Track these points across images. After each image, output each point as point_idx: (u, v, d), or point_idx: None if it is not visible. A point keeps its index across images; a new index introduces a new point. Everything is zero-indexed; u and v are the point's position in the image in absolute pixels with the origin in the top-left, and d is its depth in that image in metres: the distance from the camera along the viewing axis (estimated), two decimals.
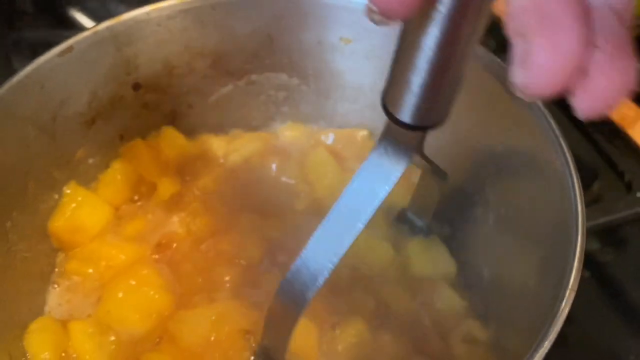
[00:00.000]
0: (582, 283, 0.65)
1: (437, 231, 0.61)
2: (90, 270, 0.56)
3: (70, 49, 0.53)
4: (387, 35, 0.58)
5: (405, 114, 0.36)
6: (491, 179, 0.57)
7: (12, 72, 0.80)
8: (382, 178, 0.41)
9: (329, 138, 0.67)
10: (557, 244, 0.45)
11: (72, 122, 0.56)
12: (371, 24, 0.42)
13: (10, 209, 0.51)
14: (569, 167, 0.46)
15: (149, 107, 0.62)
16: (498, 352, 0.52)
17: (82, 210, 0.57)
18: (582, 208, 0.44)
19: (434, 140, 0.60)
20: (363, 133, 0.68)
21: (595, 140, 0.74)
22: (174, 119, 0.65)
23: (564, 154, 0.47)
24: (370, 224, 0.41)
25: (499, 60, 0.53)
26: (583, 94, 0.27)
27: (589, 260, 0.68)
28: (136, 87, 0.60)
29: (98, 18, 0.55)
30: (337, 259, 0.41)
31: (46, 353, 0.49)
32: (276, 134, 0.68)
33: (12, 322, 0.51)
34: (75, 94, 0.56)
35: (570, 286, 0.41)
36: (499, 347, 0.52)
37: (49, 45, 0.53)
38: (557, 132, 0.48)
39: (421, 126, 0.37)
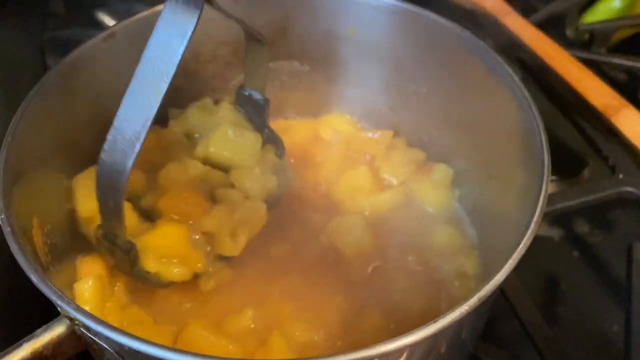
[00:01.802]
0: (572, 264, 0.72)
1: None
2: None
3: (112, 34, 0.61)
4: (390, 27, 0.66)
5: None
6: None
7: (46, 68, 0.88)
8: (178, 32, 0.42)
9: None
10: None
11: (112, 100, 0.63)
12: (374, 16, 0.47)
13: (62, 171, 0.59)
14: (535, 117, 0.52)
15: (177, 90, 0.68)
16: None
17: None
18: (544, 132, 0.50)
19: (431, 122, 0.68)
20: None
21: (583, 128, 0.79)
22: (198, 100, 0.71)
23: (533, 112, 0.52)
24: None
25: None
26: None
27: (578, 242, 0.74)
28: None
29: (123, 19, 0.62)
30: (149, 122, 0.42)
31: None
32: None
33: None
34: (116, 75, 0.61)
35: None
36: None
37: (79, 44, 0.60)
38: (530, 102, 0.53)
39: None
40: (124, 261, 0.53)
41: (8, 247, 0.44)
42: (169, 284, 0.56)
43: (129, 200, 0.56)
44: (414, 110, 0.69)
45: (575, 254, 0.73)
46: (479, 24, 0.93)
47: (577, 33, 0.93)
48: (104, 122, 0.61)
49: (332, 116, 0.75)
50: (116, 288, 0.56)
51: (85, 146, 0.60)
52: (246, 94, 0.64)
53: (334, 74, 0.72)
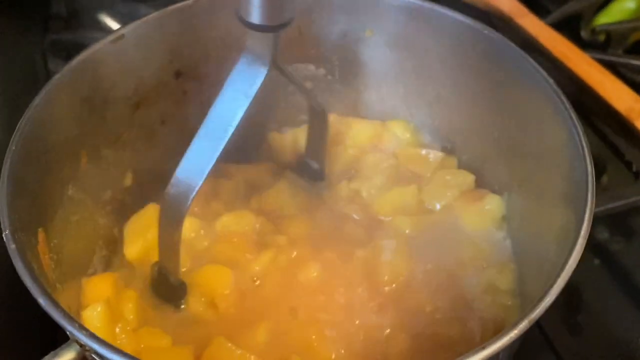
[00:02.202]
0: (593, 272, 0.69)
1: None
2: None
3: (121, 36, 0.58)
4: (408, 26, 0.63)
5: (255, 16, 0.43)
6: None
7: (48, 71, 0.86)
8: (245, 88, 0.46)
9: None
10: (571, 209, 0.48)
11: (120, 105, 0.61)
12: (393, 16, 0.46)
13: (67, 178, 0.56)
14: (580, 139, 0.49)
15: (187, 94, 0.66)
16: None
17: None
18: (591, 170, 0.47)
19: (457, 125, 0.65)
20: None
21: (604, 132, 0.77)
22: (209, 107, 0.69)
23: (577, 130, 0.50)
24: None
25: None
26: None
27: (599, 250, 0.72)
28: (177, 74, 0.64)
29: (125, 22, 0.60)
30: (208, 169, 0.46)
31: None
32: None
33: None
34: (124, 79, 0.60)
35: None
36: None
37: (81, 47, 0.57)
38: (570, 111, 0.51)
39: (270, 25, 0.43)
40: (172, 296, 0.56)
41: (11, 263, 0.42)
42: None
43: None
44: (437, 116, 0.67)
45: (597, 261, 0.71)
46: (493, 25, 0.91)
47: (592, 34, 0.91)
48: (111, 129, 0.61)
49: (394, 123, 0.71)
50: (126, 309, 0.55)
51: (92, 155, 0.58)
52: (305, 162, 0.67)
53: (350, 77, 0.70)
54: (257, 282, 0.59)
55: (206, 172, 0.46)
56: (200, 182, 0.46)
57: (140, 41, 0.60)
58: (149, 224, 0.60)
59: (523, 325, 0.37)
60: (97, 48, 0.57)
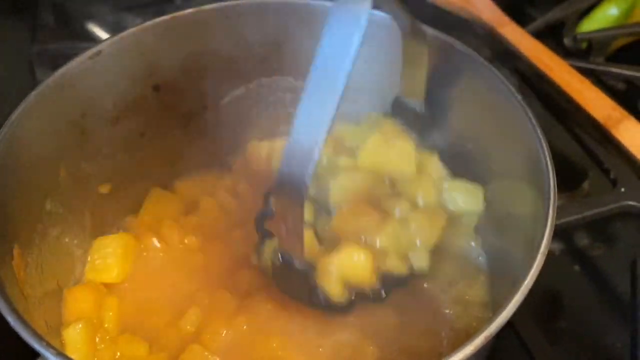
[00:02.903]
0: (573, 278, 0.70)
1: None
2: None
3: (99, 52, 0.59)
4: (384, 42, 0.64)
5: None
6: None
7: (35, 81, 0.87)
8: (352, 24, 0.38)
9: None
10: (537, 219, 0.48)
11: (99, 119, 0.62)
12: (371, 31, 0.47)
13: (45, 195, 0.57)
14: (544, 154, 0.50)
15: (167, 107, 0.67)
16: None
17: None
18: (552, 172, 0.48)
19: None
20: None
21: (584, 141, 0.77)
22: (189, 119, 0.70)
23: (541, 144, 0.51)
24: None
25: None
26: None
27: (579, 256, 0.72)
28: (156, 88, 0.65)
29: (114, 31, 0.61)
30: (326, 127, 0.39)
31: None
32: None
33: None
34: (103, 93, 0.61)
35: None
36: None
37: (69, 57, 0.58)
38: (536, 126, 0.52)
39: None
40: (300, 286, 0.50)
41: None
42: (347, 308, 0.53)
43: None
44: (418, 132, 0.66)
45: (576, 268, 0.71)
46: (476, 33, 0.91)
47: (575, 42, 0.91)
48: (89, 143, 0.61)
49: None
50: (106, 318, 0.55)
51: (70, 169, 0.59)
52: (403, 102, 0.60)
53: None
54: None
55: (324, 135, 0.39)
56: (319, 149, 0.39)
57: (117, 56, 0.60)
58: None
59: (479, 340, 0.37)
60: (75, 64, 0.58)
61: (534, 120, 0.52)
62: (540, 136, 0.51)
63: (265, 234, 0.53)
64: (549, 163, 0.49)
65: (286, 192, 0.42)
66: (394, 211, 0.55)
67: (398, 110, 0.62)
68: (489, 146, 0.59)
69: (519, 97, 0.54)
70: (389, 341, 0.53)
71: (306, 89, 0.40)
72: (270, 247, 0.52)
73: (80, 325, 0.51)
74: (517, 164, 0.54)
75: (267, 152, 0.70)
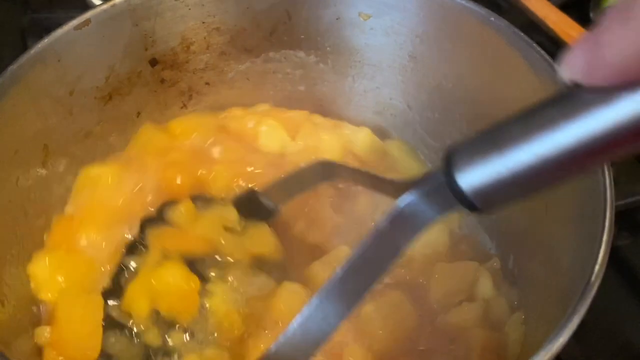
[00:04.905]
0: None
1: None
2: None
3: (87, 22, 0.53)
4: (407, 10, 0.58)
5: (469, 187, 0.31)
6: None
7: None
8: (408, 231, 0.35)
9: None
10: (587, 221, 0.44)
11: (89, 97, 0.57)
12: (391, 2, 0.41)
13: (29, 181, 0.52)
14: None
15: (165, 83, 0.62)
16: None
17: None
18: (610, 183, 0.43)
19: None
20: None
21: None
22: (190, 97, 0.64)
23: None
24: None
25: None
26: None
27: None
28: (153, 62, 0.60)
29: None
30: (330, 333, 0.36)
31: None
32: None
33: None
34: (92, 68, 0.56)
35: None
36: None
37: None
38: None
39: (475, 206, 0.31)
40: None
41: None
42: None
43: None
44: (437, 108, 0.61)
45: None
46: (498, 6, 0.86)
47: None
48: (79, 126, 0.56)
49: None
50: None
51: (56, 152, 0.54)
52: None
53: (343, 65, 0.65)
54: None
55: (323, 343, 0.37)
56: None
57: (109, 27, 0.55)
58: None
59: None
60: (60, 35, 0.52)
61: None
62: None
63: None
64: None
65: None
66: None
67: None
68: None
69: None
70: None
71: (342, 269, 0.36)
72: None
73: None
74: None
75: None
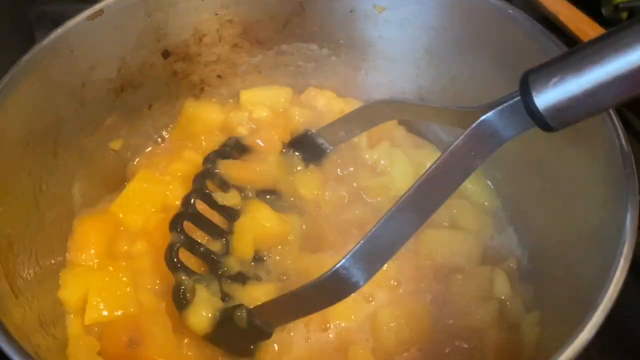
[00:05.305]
0: None
1: None
2: None
3: (100, 12, 0.52)
4: (423, 3, 0.57)
5: (545, 106, 0.35)
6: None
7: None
8: (482, 151, 0.38)
9: None
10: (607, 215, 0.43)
11: (101, 89, 0.56)
12: None
13: (40, 173, 0.51)
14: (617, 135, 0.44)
15: (177, 76, 0.61)
16: None
17: None
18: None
19: None
20: None
21: (621, 111, 0.71)
22: (202, 89, 0.64)
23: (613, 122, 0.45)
24: None
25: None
26: None
27: None
28: (165, 54, 0.59)
29: None
30: (399, 247, 0.39)
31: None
32: None
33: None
34: (105, 59, 0.55)
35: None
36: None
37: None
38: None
39: (548, 124, 0.35)
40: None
41: None
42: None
43: None
44: (450, 101, 0.60)
45: None
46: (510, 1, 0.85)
47: (614, 11, 0.85)
48: (90, 117, 0.56)
49: None
50: None
51: (67, 144, 0.53)
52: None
53: (356, 58, 0.64)
54: None
55: (396, 251, 0.39)
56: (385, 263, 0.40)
57: (121, 17, 0.54)
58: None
59: None
60: (73, 26, 0.51)
61: None
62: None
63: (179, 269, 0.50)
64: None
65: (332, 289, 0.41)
66: None
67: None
68: None
69: None
70: None
71: (398, 203, 0.39)
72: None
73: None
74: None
75: None
